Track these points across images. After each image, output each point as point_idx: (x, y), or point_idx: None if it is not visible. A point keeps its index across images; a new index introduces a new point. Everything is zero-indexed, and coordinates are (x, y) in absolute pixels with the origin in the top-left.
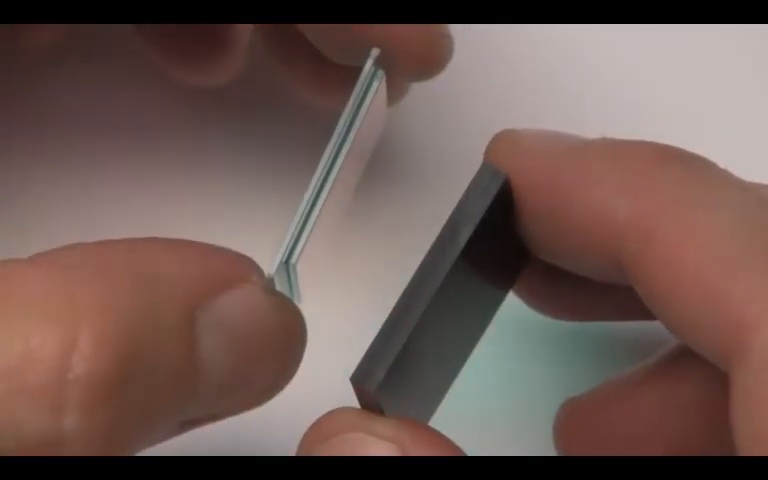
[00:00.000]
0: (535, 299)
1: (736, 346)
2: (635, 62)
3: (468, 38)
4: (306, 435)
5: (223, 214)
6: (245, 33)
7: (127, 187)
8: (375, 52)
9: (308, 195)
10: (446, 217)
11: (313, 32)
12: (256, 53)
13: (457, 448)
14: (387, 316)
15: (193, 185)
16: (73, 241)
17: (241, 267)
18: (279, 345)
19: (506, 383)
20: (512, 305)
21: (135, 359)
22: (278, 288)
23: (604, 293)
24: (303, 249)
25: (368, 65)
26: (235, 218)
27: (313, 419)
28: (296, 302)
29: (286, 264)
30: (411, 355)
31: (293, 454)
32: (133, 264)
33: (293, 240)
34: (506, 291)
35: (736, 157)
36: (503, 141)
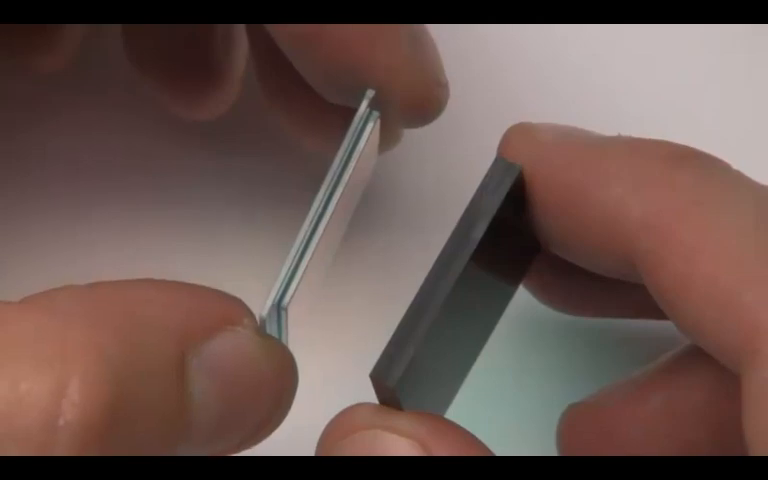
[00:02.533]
0: (545, 293)
1: (749, 349)
2: (633, 63)
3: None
4: (325, 432)
5: (215, 255)
6: (239, 66)
7: (119, 226)
8: (371, 93)
9: (301, 237)
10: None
11: (307, 68)
12: (252, 95)
13: (476, 440)
14: (405, 312)
15: (186, 224)
16: (64, 280)
17: (232, 309)
18: (270, 388)
19: (510, 384)
20: (516, 307)
21: (124, 404)
22: (268, 331)
23: (614, 289)
24: (295, 292)
25: (363, 106)
26: (227, 259)
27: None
28: (285, 344)
29: (278, 307)
30: (428, 350)
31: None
32: (123, 307)
33: (285, 283)
34: (516, 285)
35: (736, 157)
36: (518, 134)
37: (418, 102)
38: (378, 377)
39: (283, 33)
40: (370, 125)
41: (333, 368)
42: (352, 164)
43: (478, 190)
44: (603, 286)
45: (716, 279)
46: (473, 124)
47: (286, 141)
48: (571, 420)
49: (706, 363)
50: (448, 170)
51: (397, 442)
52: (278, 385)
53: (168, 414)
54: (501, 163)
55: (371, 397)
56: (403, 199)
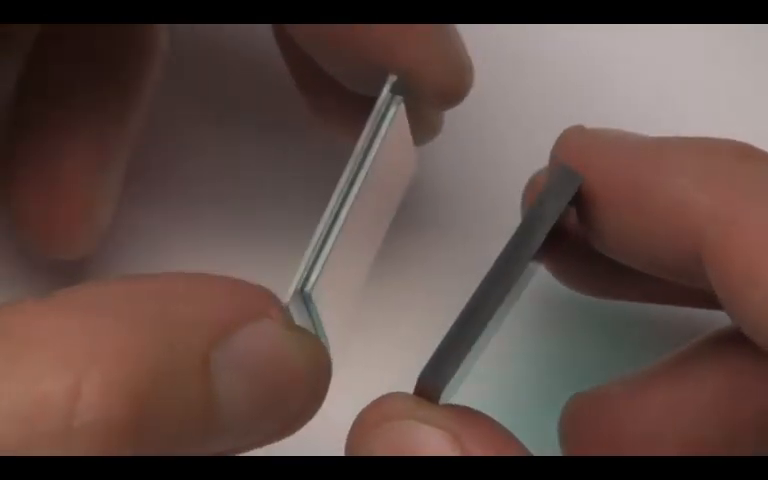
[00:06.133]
0: (568, 277)
1: None
2: (635, 63)
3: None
4: (358, 420)
5: (251, 246)
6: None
7: (146, 213)
8: (392, 78)
9: (323, 222)
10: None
11: (328, 60)
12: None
13: (507, 432)
14: (458, 315)
15: (214, 216)
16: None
17: (259, 301)
18: (301, 379)
19: (517, 371)
20: (524, 293)
21: (149, 403)
22: (298, 322)
23: (638, 277)
24: (319, 278)
25: (384, 91)
26: (262, 250)
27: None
28: (320, 336)
29: (301, 293)
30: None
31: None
32: (152, 303)
33: (308, 269)
34: (536, 268)
35: None
36: (575, 137)
37: (448, 90)
38: (430, 378)
39: (305, 34)
40: (393, 109)
41: (368, 362)
42: (375, 148)
43: (539, 197)
44: (627, 272)
45: None
46: (517, 126)
47: (318, 132)
48: (575, 409)
49: (713, 362)
50: (491, 172)
51: (430, 433)
52: (309, 376)
53: (194, 412)
54: (563, 171)
55: (397, 388)
56: (446, 199)
